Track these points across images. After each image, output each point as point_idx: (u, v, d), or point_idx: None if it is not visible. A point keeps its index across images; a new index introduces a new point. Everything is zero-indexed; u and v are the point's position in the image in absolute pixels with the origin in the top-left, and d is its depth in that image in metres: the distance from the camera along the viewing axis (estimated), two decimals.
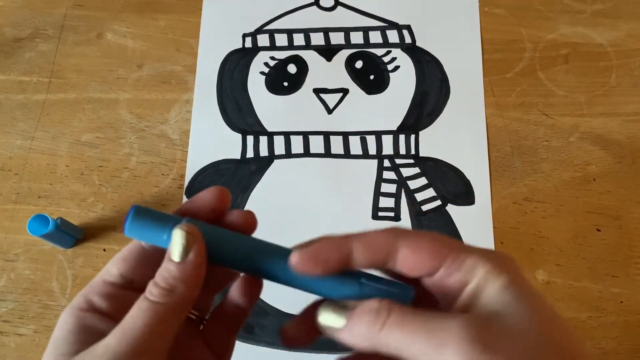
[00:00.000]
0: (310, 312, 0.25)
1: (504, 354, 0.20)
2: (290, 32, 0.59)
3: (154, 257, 0.25)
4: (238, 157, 0.54)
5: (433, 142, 0.54)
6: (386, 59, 0.57)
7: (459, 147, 0.54)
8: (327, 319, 0.23)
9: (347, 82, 0.57)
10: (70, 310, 0.25)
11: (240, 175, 0.54)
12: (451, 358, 0.20)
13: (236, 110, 0.56)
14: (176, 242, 0.23)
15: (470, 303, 0.22)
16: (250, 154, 0.54)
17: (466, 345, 0.20)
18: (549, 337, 0.21)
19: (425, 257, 0.23)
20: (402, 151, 0.54)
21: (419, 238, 0.23)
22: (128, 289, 0.25)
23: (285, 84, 0.57)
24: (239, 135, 0.55)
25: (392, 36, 0.58)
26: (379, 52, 0.58)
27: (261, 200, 0.52)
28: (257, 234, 0.52)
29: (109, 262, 0.26)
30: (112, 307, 0.25)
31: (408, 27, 0.59)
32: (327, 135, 0.55)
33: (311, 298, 0.25)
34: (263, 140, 0.55)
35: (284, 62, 0.57)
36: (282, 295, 0.49)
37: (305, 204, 0.52)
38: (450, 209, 0.52)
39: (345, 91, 0.56)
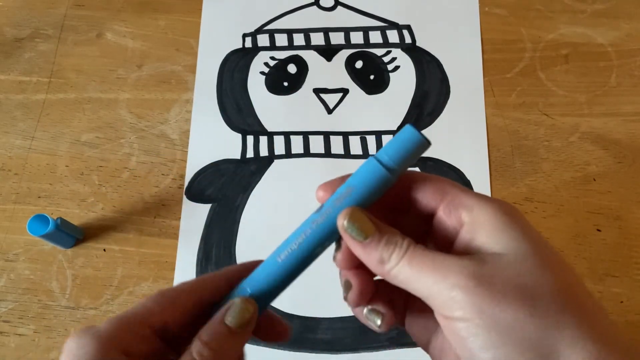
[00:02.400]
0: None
1: (496, 291, 0.21)
2: (290, 32, 0.59)
3: (200, 305, 0.25)
4: (238, 157, 0.54)
5: (433, 142, 0.54)
6: (386, 59, 0.57)
7: (459, 147, 0.54)
8: (353, 227, 0.23)
9: (347, 82, 0.56)
10: (97, 341, 0.22)
11: (240, 175, 0.54)
12: (449, 291, 0.21)
13: (236, 110, 0.56)
14: (238, 313, 0.24)
15: (467, 243, 0.23)
16: (250, 154, 0.54)
17: (464, 280, 0.21)
18: (544, 274, 0.21)
19: (427, 194, 0.25)
20: None
21: (425, 177, 0.25)
22: (161, 336, 0.24)
23: (285, 84, 0.57)
24: (239, 135, 0.55)
25: (392, 36, 0.58)
26: (379, 52, 0.58)
27: (261, 200, 0.52)
28: (256, 233, 0.52)
29: (151, 299, 0.24)
30: (142, 353, 0.23)
31: (408, 27, 0.59)
32: (327, 135, 0.55)
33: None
34: (263, 140, 0.55)
35: (284, 62, 0.57)
36: (282, 295, 0.49)
37: (305, 204, 0.52)
38: None
39: (345, 91, 0.56)
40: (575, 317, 0.20)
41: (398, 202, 0.26)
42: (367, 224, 0.23)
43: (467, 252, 0.23)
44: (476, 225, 0.23)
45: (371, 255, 0.23)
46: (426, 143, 0.25)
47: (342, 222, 0.24)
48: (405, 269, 0.22)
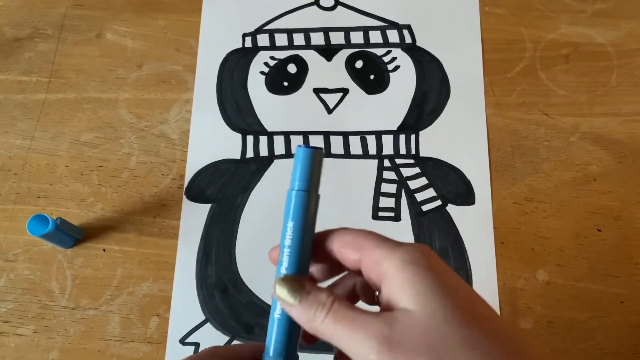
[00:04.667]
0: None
1: (406, 353, 0.22)
2: (290, 32, 0.59)
3: None
4: (238, 157, 0.54)
5: (433, 142, 0.54)
6: (386, 59, 0.57)
7: (459, 147, 0.54)
8: (283, 293, 0.25)
9: (347, 82, 0.56)
10: None
11: (240, 175, 0.53)
12: (366, 355, 0.22)
13: (236, 110, 0.56)
14: None
15: (387, 298, 0.24)
16: (250, 154, 0.54)
17: (376, 345, 0.22)
18: (451, 328, 0.22)
19: (348, 251, 0.26)
20: (402, 151, 0.54)
21: (346, 233, 0.27)
22: None
23: (285, 83, 0.57)
24: (239, 135, 0.55)
25: (392, 36, 0.58)
26: (379, 52, 0.58)
27: (261, 200, 0.52)
28: (256, 233, 0.52)
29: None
30: None
31: (408, 27, 0.59)
32: (327, 135, 0.54)
33: None
34: (263, 140, 0.55)
35: (284, 62, 0.57)
36: None
37: None
38: (451, 209, 0.52)
39: (345, 91, 0.56)
40: None
41: (335, 261, 0.27)
42: (294, 286, 0.25)
43: (388, 307, 0.24)
44: (388, 280, 0.24)
45: (302, 316, 0.25)
46: (318, 151, 0.27)
47: (274, 291, 0.26)
48: (329, 326, 0.24)
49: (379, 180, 0.53)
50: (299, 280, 0.26)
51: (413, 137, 0.54)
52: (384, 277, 0.24)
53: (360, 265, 0.26)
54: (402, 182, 0.53)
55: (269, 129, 0.55)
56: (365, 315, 0.23)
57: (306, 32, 0.59)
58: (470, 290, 0.24)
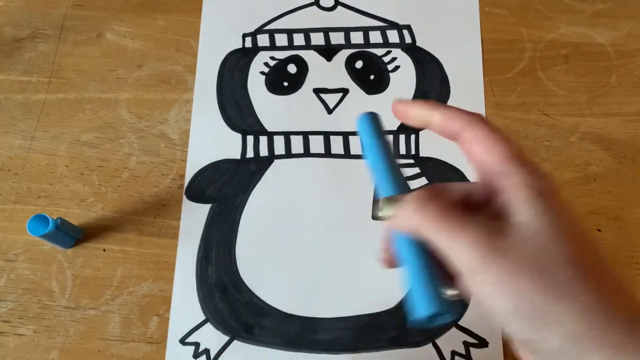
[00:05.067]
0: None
1: (510, 259, 0.21)
2: (290, 32, 0.59)
3: None
4: (238, 157, 0.54)
5: (433, 142, 0.54)
6: (386, 59, 0.57)
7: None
8: (384, 209, 0.26)
9: (347, 82, 0.56)
10: None
11: (240, 175, 0.53)
12: (464, 256, 0.22)
13: (236, 110, 0.56)
14: None
15: (503, 207, 0.23)
16: (250, 154, 0.54)
17: (477, 247, 0.22)
18: (563, 250, 0.21)
19: (483, 152, 0.25)
20: (402, 151, 0.54)
21: (487, 133, 0.25)
22: None
23: (285, 84, 0.57)
24: (239, 135, 0.55)
25: (392, 36, 0.58)
26: (379, 52, 0.58)
27: (261, 200, 0.52)
28: (256, 233, 0.52)
29: None
30: None
31: (408, 27, 0.59)
32: (327, 135, 0.55)
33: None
34: (263, 140, 0.55)
35: (284, 62, 0.57)
36: (282, 295, 0.49)
37: (305, 204, 0.52)
38: None
39: (345, 91, 0.56)
40: (585, 287, 0.21)
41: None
42: (395, 199, 0.26)
43: (499, 215, 0.23)
44: (514, 189, 0.23)
45: (404, 219, 0.24)
46: (373, 114, 0.31)
47: (378, 214, 0.26)
48: (428, 224, 0.23)
49: None
50: (393, 197, 0.26)
51: (413, 137, 0.54)
52: (511, 187, 0.23)
53: (487, 164, 0.25)
54: None
55: (269, 129, 0.55)
56: (470, 217, 0.22)
57: (306, 32, 0.59)
58: (591, 237, 0.23)
